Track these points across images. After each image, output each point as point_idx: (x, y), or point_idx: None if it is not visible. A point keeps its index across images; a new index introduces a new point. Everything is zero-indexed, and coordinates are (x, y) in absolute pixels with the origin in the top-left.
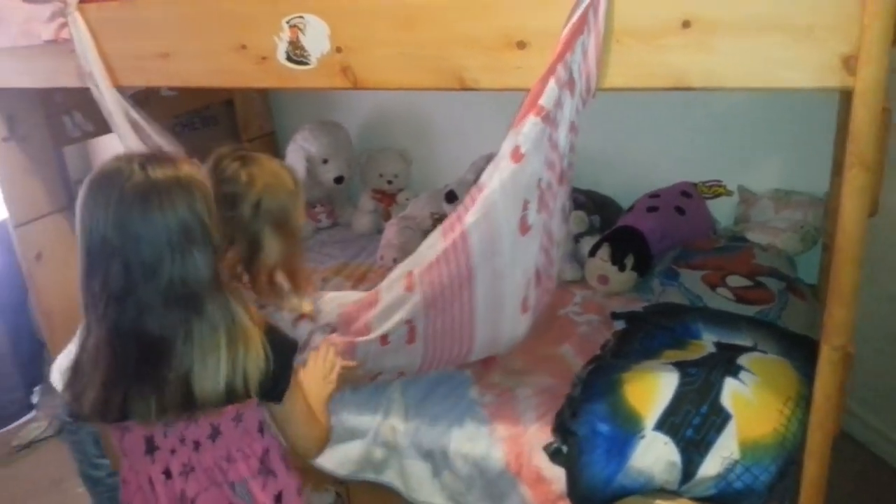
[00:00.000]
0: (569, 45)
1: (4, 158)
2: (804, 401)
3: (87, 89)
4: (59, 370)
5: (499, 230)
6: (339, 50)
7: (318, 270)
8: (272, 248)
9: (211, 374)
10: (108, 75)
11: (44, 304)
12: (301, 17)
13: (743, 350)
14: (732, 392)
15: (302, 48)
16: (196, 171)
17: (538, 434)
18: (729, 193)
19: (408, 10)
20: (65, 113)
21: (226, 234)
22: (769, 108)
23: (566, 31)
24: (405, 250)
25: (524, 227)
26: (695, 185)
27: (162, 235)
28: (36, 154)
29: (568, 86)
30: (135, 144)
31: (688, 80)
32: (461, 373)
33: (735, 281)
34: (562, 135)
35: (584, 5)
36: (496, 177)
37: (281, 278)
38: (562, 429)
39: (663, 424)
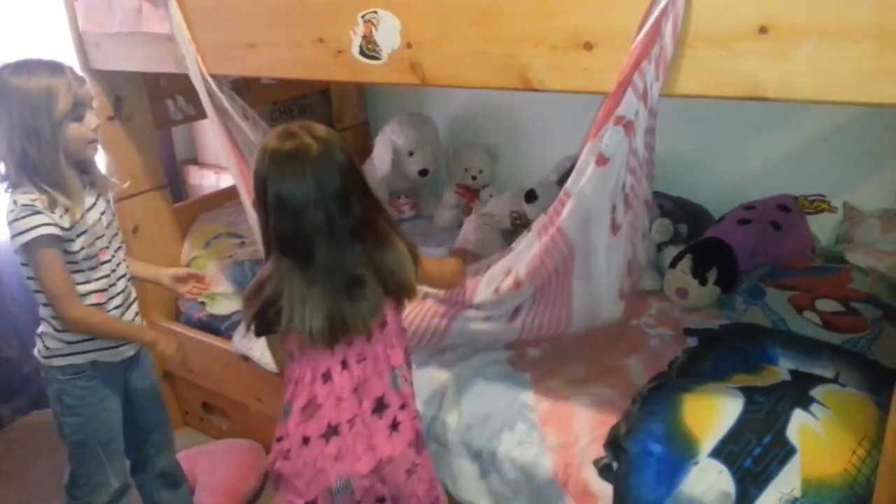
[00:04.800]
0: (644, 53)
1: (109, 137)
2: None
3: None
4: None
5: (592, 231)
6: (409, 46)
7: None
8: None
9: (401, 275)
10: (200, 63)
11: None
12: (375, 12)
13: (820, 381)
14: (801, 425)
15: (374, 43)
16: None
17: (590, 447)
18: (833, 210)
19: (477, 7)
20: (168, 97)
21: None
22: (884, 121)
23: (640, 38)
24: (480, 247)
25: (615, 228)
26: (795, 198)
27: (340, 181)
28: (138, 134)
29: (643, 96)
30: (220, 128)
31: (762, 89)
32: (519, 374)
33: (825, 305)
34: (639, 141)
35: (657, 11)
36: (585, 181)
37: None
38: (614, 445)
39: (720, 452)
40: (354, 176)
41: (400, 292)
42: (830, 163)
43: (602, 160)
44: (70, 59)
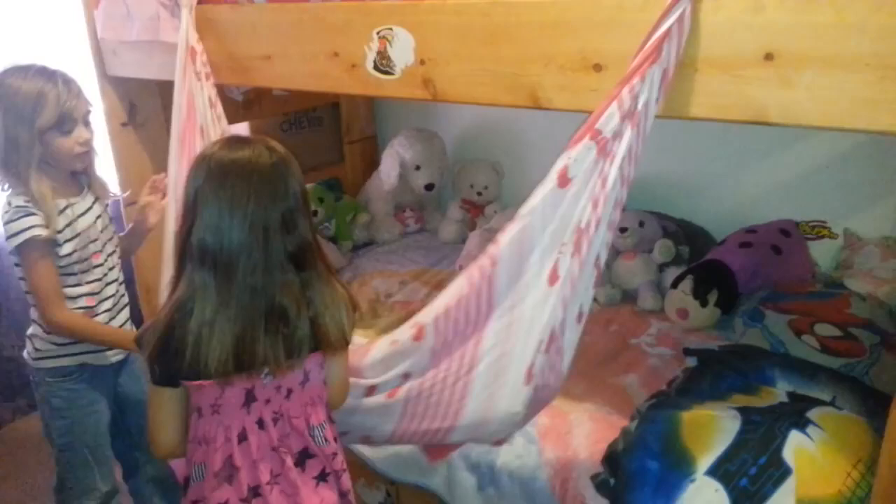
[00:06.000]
0: (638, 70)
1: (121, 142)
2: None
3: None
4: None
5: (527, 271)
6: (422, 62)
7: (399, 273)
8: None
9: (334, 319)
10: (198, 72)
11: (143, 280)
12: (391, 28)
13: (816, 403)
14: (796, 446)
15: (388, 58)
16: None
17: (587, 462)
18: (833, 236)
19: (490, 27)
20: None
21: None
22: (884, 149)
23: (639, 56)
24: None
25: (553, 276)
26: (797, 223)
27: (293, 201)
28: (150, 140)
29: (630, 117)
30: (189, 139)
31: (766, 114)
32: None
33: (824, 329)
34: (613, 171)
35: (660, 32)
36: (539, 202)
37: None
38: (612, 460)
39: (717, 470)
40: (304, 200)
41: (329, 340)
42: (832, 189)
43: (564, 179)
44: (86, 65)
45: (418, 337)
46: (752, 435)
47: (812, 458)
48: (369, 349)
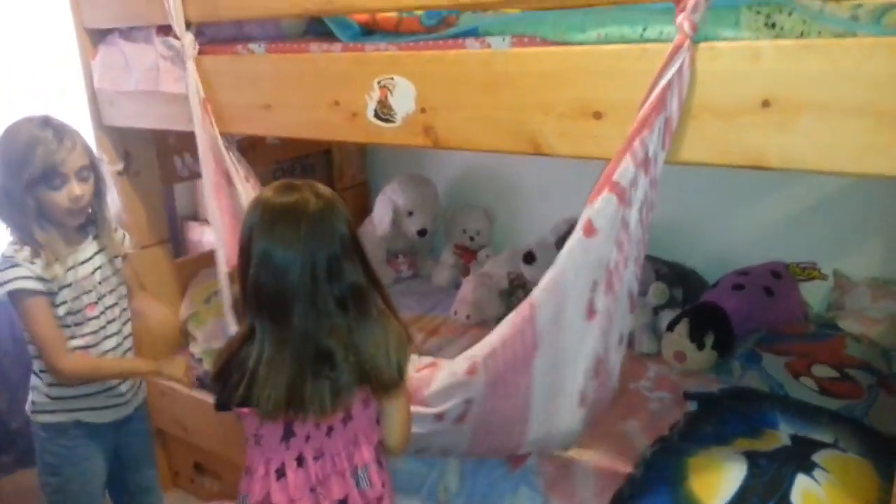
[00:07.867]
0: (646, 122)
1: (117, 191)
2: None
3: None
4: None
5: (565, 312)
6: (423, 111)
7: None
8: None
9: (387, 358)
10: (213, 122)
11: (135, 329)
12: (392, 78)
13: (820, 446)
14: (803, 490)
15: (389, 107)
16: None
17: None
18: (823, 278)
19: (491, 76)
20: (176, 154)
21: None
22: (875, 191)
23: (645, 108)
24: (478, 307)
25: (591, 312)
26: (787, 265)
27: (338, 246)
28: (145, 189)
29: (643, 165)
30: (213, 188)
31: (766, 159)
32: None
33: (821, 371)
34: (633, 215)
35: (662, 84)
36: (567, 252)
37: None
38: None
39: None
40: (353, 244)
41: (382, 381)
42: (820, 231)
43: (590, 230)
44: (83, 114)
45: (472, 371)
46: (759, 479)
47: (819, 501)
48: (430, 380)
